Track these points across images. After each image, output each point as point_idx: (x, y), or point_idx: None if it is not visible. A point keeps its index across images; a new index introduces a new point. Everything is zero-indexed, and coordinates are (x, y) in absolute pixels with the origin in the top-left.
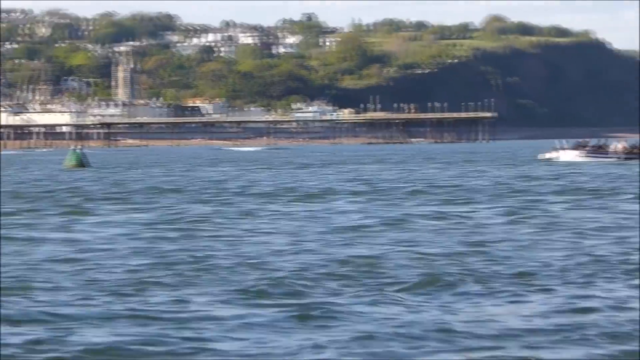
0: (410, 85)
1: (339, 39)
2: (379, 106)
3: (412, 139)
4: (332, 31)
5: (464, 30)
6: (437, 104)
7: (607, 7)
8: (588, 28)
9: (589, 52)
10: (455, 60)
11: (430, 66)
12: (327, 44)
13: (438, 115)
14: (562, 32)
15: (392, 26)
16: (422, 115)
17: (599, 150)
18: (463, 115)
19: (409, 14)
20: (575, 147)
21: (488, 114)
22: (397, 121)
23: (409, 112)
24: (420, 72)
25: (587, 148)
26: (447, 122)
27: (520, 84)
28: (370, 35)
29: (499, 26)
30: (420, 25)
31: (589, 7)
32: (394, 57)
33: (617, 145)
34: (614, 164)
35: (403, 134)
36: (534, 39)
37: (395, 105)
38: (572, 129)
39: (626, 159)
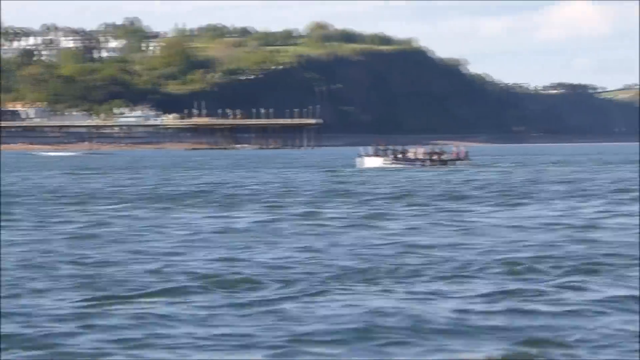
0: (234, 91)
1: (163, 44)
2: (203, 112)
3: (237, 145)
4: (156, 36)
5: (288, 37)
6: (262, 110)
7: (429, 16)
8: (411, 36)
9: (412, 60)
10: (280, 67)
11: (254, 72)
12: (151, 48)
13: (263, 121)
14: (385, 40)
15: (216, 32)
16: (248, 121)
17: (403, 157)
18: (288, 121)
19: (233, 19)
20: (375, 154)
21: (313, 121)
22: (222, 127)
23: (234, 118)
24: (244, 78)
25: (392, 155)
26: (272, 128)
27: (344, 91)
28: (194, 40)
29: (323, 33)
30: (245, 32)
31: (411, 16)
32: (218, 63)
33: (417, 150)
34: (418, 169)
35: (228, 139)
36: (357, 46)
37: (220, 111)
38: (395, 137)
39: (431, 164)
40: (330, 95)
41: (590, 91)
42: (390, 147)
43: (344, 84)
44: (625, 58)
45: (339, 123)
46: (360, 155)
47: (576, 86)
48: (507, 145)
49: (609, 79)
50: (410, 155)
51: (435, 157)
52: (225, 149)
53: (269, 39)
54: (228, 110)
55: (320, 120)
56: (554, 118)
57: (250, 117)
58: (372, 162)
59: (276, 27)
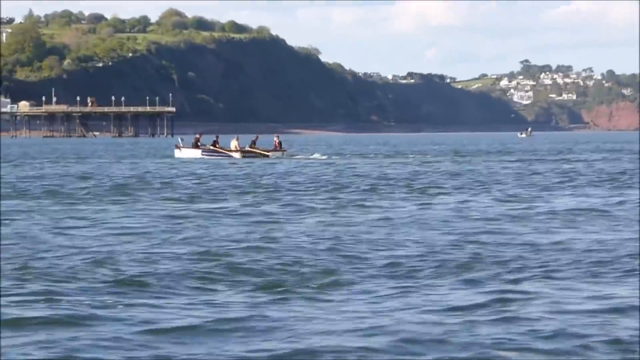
0: (87, 78)
1: (13, 30)
2: (54, 99)
3: (93, 133)
4: (7, 22)
5: (141, 24)
6: (114, 98)
7: (283, 5)
8: (265, 25)
9: (266, 48)
10: (133, 54)
11: (107, 59)
12: (2, 35)
13: (119, 109)
14: (239, 28)
15: (68, 18)
16: (103, 109)
17: (216, 149)
18: (144, 109)
19: (84, 6)
20: (194, 146)
21: (169, 109)
22: (76, 114)
23: (89, 106)
24: (97, 65)
25: (207, 146)
26: (127, 116)
27: (198, 79)
28: (45, 27)
29: (176, 21)
30: (97, 18)
31: (265, 5)
32: (70, 50)
33: (232, 142)
34: (228, 161)
35: (83, 127)
36: (211, 34)
37: (78, 98)
38: (250, 125)
39: (244, 156)
40: (185, 83)
41: (443, 81)
42: (214, 138)
43: (198, 72)
44: (476, 49)
45: (193, 111)
46: (177, 146)
47: (429, 76)
48: (361, 134)
49: (460, 69)
50: (232, 146)
51: (252, 148)
52: (80, 136)
53: (121, 26)
54: (81, 98)
55: (173, 109)
56: (408, 108)
57: (104, 105)
58: (189, 152)
59: (129, 14)
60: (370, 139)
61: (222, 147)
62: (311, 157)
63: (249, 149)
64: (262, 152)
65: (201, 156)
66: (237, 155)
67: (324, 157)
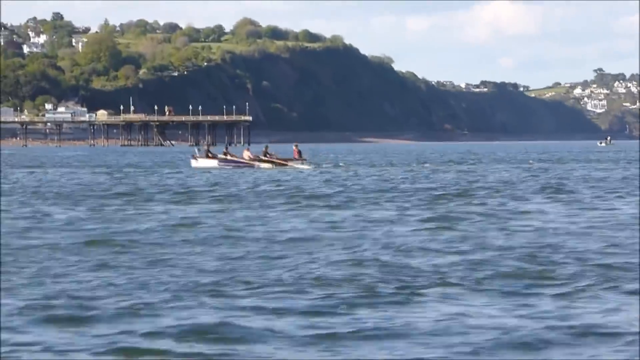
0: (162, 87)
1: (89, 40)
2: (132, 108)
3: (170, 142)
4: (83, 31)
5: (216, 33)
6: (192, 107)
7: (356, 14)
8: (338, 33)
9: (339, 57)
10: (207, 63)
11: (182, 69)
12: (78, 44)
13: (196, 118)
14: (313, 37)
15: (143, 28)
16: (179, 118)
17: (232, 158)
18: (221, 118)
19: (159, 15)
20: (207, 155)
21: (245, 117)
22: (154, 123)
23: (167, 114)
24: (172, 74)
25: (219, 156)
26: (204, 125)
27: (272, 88)
28: (121, 36)
29: (250, 30)
30: (172, 28)
31: (339, 13)
32: (146, 59)
33: (244, 153)
34: (243, 170)
35: (160, 136)
36: (285, 43)
37: (149, 107)
38: (323, 133)
39: (273, 166)
40: (259, 92)
41: (517, 89)
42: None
43: (272, 81)
44: (550, 57)
45: (267, 120)
46: (193, 156)
47: (502, 84)
48: (434, 142)
49: (534, 77)
50: (245, 156)
51: (266, 157)
52: (159, 145)
53: (196, 35)
54: (157, 107)
55: (250, 117)
56: (481, 116)
57: (180, 113)
58: (205, 162)
59: (203, 23)
60: (445, 147)
61: (235, 156)
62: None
63: (265, 158)
64: (282, 161)
65: (217, 166)
66: (265, 165)
67: (343, 165)
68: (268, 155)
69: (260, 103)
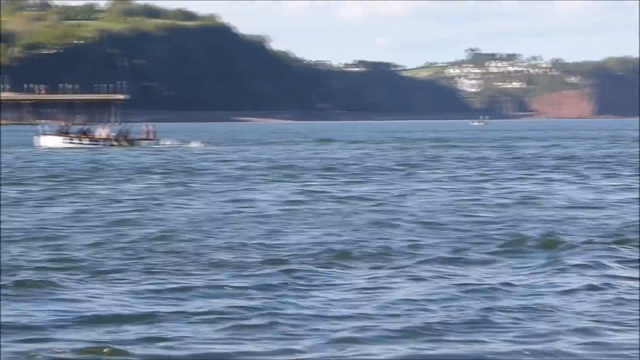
0: (36, 66)
1: None
2: (7, 87)
3: (43, 121)
4: None
5: (90, 11)
6: (68, 86)
7: None
8: (214, 12)
9: (216, 36)
10: (81, 42)
11: (55, 47)
12: None
13: (69, 96)
14: (188, 15)
15: (15, 5)
16: (53, 97)
17: (85, 137)
18: (95, 97)
19: None
20: (59, 133)
21: (120, 97)
22: (27, 102)
23: (39, 93)
24: (46, 52)
25: (71, 134)
26: (78, 104)
27: (147, 66)
28: None
29: (124, 8)
30: (45, 5)
31: None
32: (18, 37)
33: (102, 131)
34: (94, 149)
35: (33, 115)
36: (160, 21)
37: (25, 86)
38: (199, 113)
39: (111, 145)
40: (134, 70)
41: (392, 69)
42: (79, 126)
43: (147, 60)
44: (425, 37)
45: (143, 99)
46: (38, 134)
47: (378, 64)
48: (310, 122)
49: (409, 57)
50: (97, 135)
51: (121, 137)
52: (32, 124)
53: (69, 13)
54: (32, 86)
55: (127, 96)
56: (357, 96)
57: (55, 92)
58: (50, 141)
59: (77, 1)
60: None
61: (87, 135)
62: (187, 146)
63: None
64: (138, 139)
65: (62, 144)
66: (106, 142)
67: (202, 145)
68: (123, 135)
69: (136, 82)
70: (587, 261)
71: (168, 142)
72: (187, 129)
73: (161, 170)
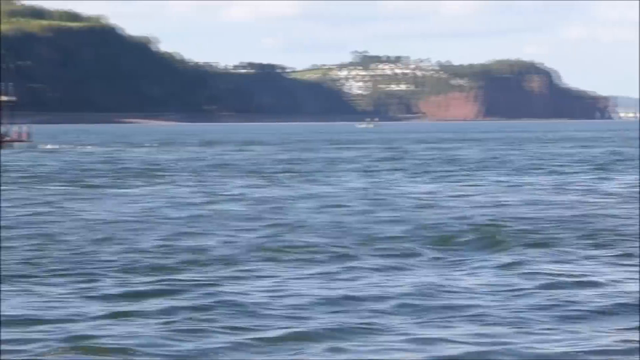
0: None
1: None
2: None
3: None
4: None
5: None
6: None
7: None
8: (100, 13)
9: (101, 37)
10: None
11: None
12: None
13: None
14: (74, 16)
15: None
16: None
17: None
18: None
19: None
20: None
21: (5, 98)
22: None
23: None
24: None
25: None
26: None
27: (33, 68)
28: None
29: (9, 9)
30: None
31: None
32: None
33: None
34: None
35: None
36: (45, 22)
37: None
38: (85, 114)
39: None
40: (19, 72)
41: (279, 71)
42: None
43: (33, 61)
44: (313, 38)
45: (29, 101)
46: None
47: (265, 66)
48: (197, 124)
49: (298, 59)
50: None
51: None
52: None
53: None
54: None
55: (13, 98)
56: (244, 97)
57: None
58: None
59: None
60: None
61: None
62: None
63: None
64: (10, 140)
65: None
66: None
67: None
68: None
69: (21, 84)
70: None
71: (49, 146)
72: (74, 131)
73: None
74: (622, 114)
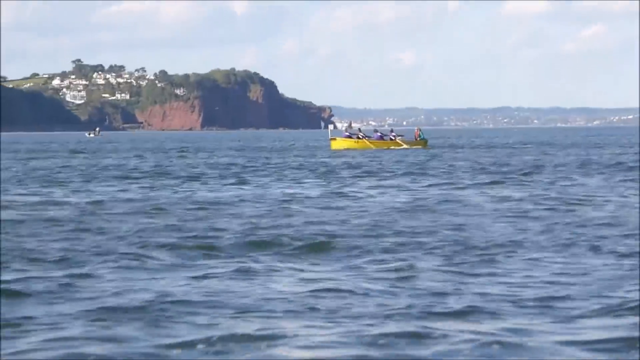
0: None
1: None
2: None
3: None
4: None
5: None
6: None
7: None
8: None
9: None
10: None
11: None
12: None
13: None
14: None
15: None
16: None
17: None
18: None
19: None
20: None
21: None
22: None
23: None
24: None
25: None
26: None
27: None
28: None
29: None
30: None
31: None
32: None
33: None
34: None
35: None
36: None
37: None
38: None
39: None
40: None
41: None
42: None
43: None
44: (27, 47)
45: None
46: None
47: None
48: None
49: (13, 68)
50: None
51: None
52: None
53: None
54: None
55: None
56: None
57: None
58: None
59: None
60: None
61: None
62: None
63: None
64: None
65: None
66: None
67: None
68: None
69: None
70: None
71: None
72: None
73: None
74: (338, 124)
